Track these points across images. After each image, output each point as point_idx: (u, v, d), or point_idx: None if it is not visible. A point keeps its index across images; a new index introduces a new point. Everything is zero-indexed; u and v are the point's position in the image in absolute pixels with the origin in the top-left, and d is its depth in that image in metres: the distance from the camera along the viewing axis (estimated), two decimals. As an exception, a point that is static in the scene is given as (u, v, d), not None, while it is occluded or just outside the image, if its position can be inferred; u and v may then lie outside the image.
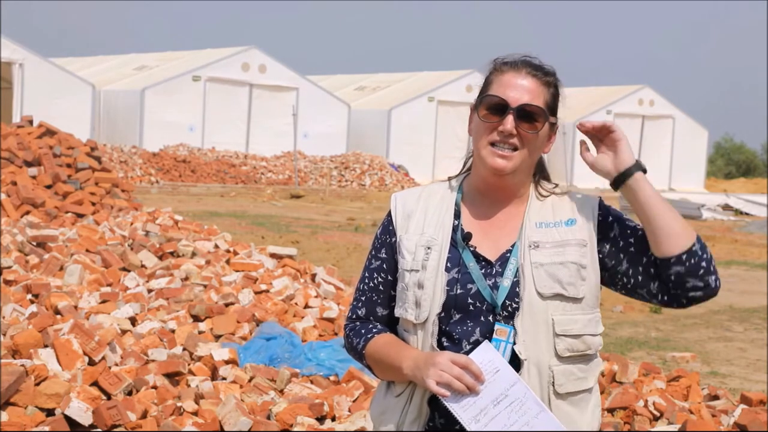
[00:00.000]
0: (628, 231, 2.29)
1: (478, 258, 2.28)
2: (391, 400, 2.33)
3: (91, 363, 5.00)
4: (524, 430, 2.14)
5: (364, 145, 38.05)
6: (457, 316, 2.25)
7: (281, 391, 5.07)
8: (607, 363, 5.96)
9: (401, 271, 2.32)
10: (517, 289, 2.24)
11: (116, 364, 5.13)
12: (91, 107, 33.63)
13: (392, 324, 2.39)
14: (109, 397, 4.71)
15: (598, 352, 2.32)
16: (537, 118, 2.27)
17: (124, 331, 5.73)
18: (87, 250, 7.84)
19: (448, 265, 2.27)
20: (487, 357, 2.18)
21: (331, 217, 21.88)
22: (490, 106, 2.28)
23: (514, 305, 2.23)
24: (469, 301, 2.25)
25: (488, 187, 2.33)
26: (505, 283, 2.25)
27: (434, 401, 2.24)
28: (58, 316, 5.87)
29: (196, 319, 6.23)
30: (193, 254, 8.09)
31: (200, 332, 5.94)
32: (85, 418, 4.34)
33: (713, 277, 2.21)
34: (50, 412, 4.42)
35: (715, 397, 5.67)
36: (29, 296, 6.47)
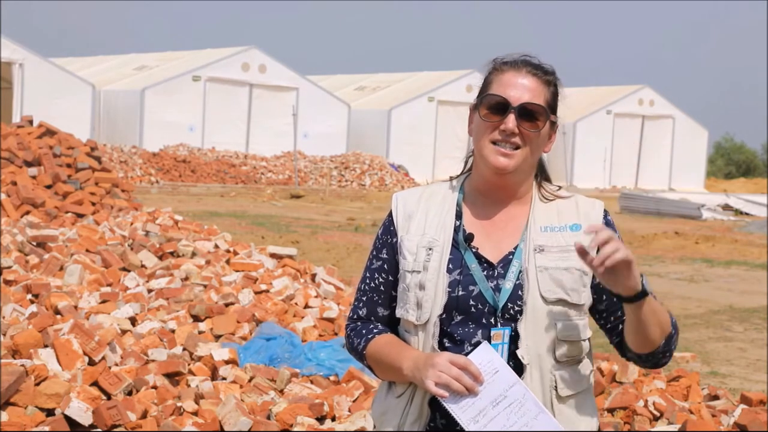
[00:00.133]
0: None
1: (480, 259, 2.28)
2: (392, 401, 2.33)
3: (91, 363, 5.00)
4: (523, 430, 2.14)
5: (364, 145, 38.06)
6: (459, 318, 2.25)
7: (281, 391, 5.07)
8: (607, 363, 5.96)
9: (402, 272, 2.31)
10: (520, 292, 2.23)
11: (116, 364, 5.13)
12: (91, 107, 33.65)
13: (393, 324, 2.38)
14: (109, 397, 4.71)
15: (586, 355, 2.33)
16: (538, 116, 2.27)
17: (124, 331, 5.73)
18: (87, 250, 7.84)
19: (450, 266, 2.26)
20: (486, 358, 2.17)
21: (331, 217, 21.88)
22: (491, 106, 2.28)
23: (516, 308, 2.23)
24: (471, 303, 2.24)
25: (489, 187, 2.33)
26: (507, 285, 2.24)
27: (435, 402, 2.23)
28: (58, 316, 5.87)
29: (196, 319, 6.23)
30: (193, 254, 8.08)
31: (200, 332, 5.94)
32: (85, 418, 4.33)
33: (664, 362, 2.30)
34: (50, 412, 4.42)
35: (715, 397, 5.67)
36: (29, 296, 6.47)
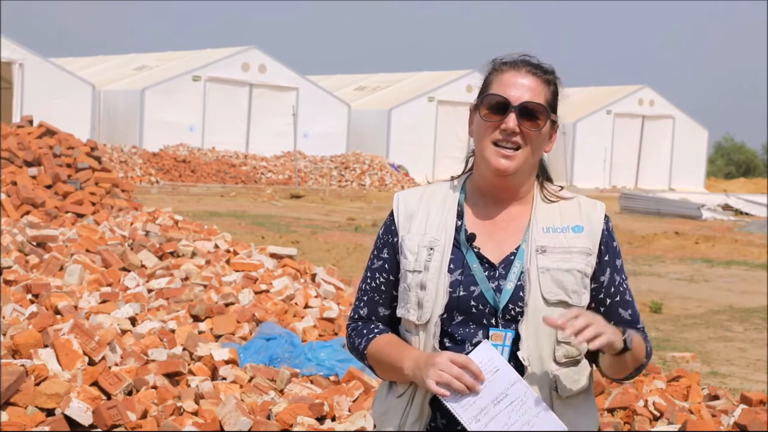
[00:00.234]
0: (612, 289, 2.33)
1: (482, 260, 2.27)
2: (393, 401, 2.33)
3: (91, 363, 5.00)
4: (525, 429, 2.14)
5: (364, 145, 38.06)
6: (460, 318, 2.25)
7: (281, 391, 5.07)
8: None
9: (403, 272, 2.31)
10: (521, 293, 2.23)
11: (116, 364, 5.13)
12: (91, 107, 33.65)
13: (394, 324, 2.38)
14: (109, 397, 4.71)
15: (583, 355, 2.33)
16: (539, 115, 2.27)
17: (124, 331, 5.73)
18: (87, 250, 7.84)
19: (451, 266, 2.26)
20: (486, 356, 2.17)
21: (331, 217, 21.88)
22: (491, 106, 2.27)
23: (517, 309, 2.23)
24: (472, 303, 2.24)
25: (490, 187, 2.32)
26: (509, 286, 2.24)
27: (436, 402, 2.23)
28: (58, 316, 5.86)
29: (196, 319, 6.22)
30: (193, 254, 8.08)
31: (200, 332, 5.94)
32: (85, 418, 4.33)
33: (630, 379, 2.37)
34: (50, 412, 4.42)
35: (715, 397, 5.67)
36: (29, 296, 6.47)
